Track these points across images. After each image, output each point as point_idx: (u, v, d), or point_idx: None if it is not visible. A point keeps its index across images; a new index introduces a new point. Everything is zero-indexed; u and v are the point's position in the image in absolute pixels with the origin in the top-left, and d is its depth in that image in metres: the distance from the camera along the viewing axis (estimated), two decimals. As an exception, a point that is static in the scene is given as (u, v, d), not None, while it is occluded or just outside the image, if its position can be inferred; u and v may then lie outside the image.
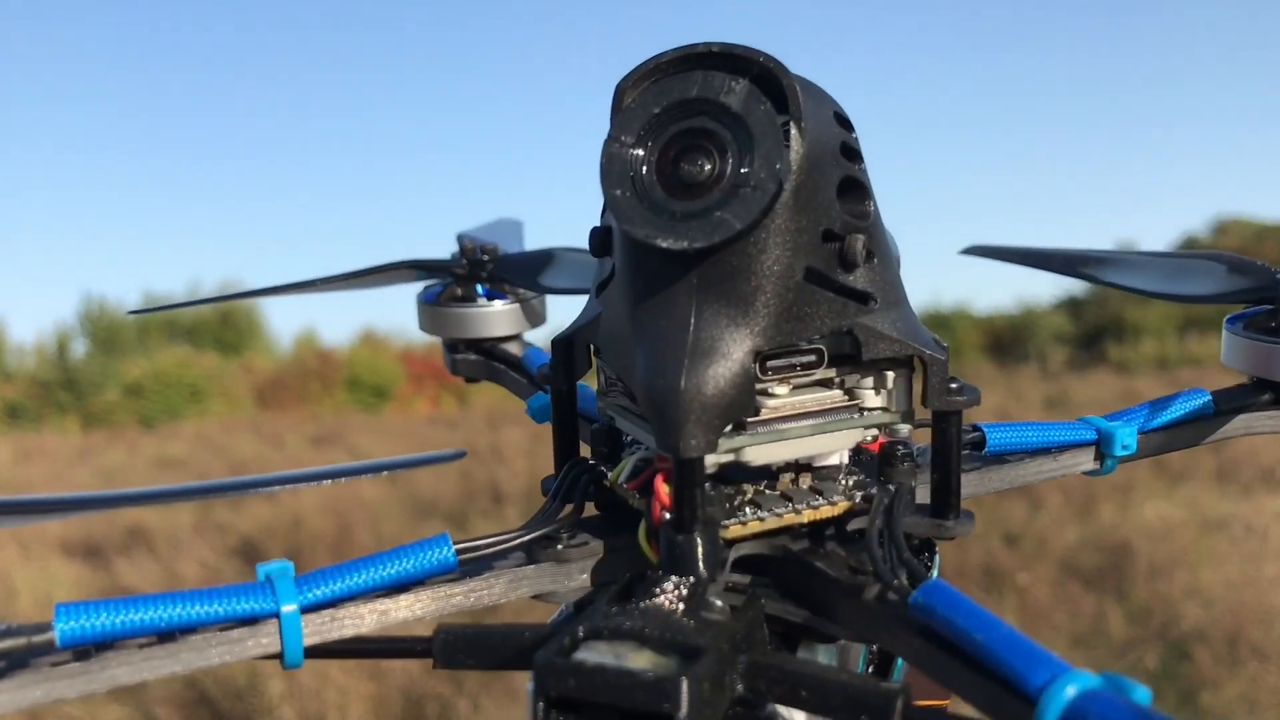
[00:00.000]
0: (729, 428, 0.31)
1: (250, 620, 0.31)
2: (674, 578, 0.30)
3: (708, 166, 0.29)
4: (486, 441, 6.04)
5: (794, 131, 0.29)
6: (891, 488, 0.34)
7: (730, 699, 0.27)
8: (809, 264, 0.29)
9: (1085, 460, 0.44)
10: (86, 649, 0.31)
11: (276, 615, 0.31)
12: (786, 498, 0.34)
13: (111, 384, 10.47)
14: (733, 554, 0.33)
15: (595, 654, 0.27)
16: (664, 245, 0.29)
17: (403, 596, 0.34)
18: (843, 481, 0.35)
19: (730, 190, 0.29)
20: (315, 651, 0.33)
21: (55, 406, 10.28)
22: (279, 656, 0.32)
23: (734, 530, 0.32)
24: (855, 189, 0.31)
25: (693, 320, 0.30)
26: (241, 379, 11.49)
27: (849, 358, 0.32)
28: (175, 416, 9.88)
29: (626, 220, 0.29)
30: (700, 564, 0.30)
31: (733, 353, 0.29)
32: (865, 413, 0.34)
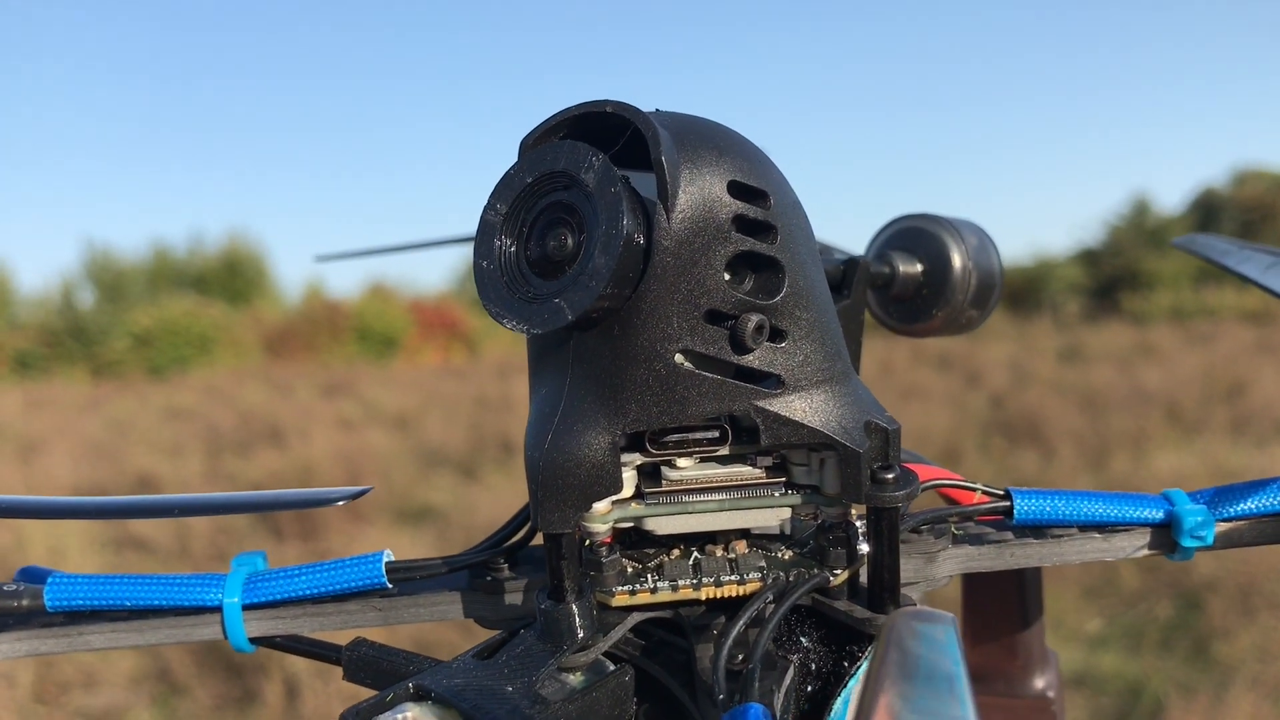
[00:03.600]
0: (629, 495, 0.31)
1: (202, 610, 0.36)
2: (539, 644, 0.31)
3: (570, 243, 0.28)
4: (497, 392, 6.04)
5: (660, 209, 0.27)
6: (794, 575, 0.32)
7: None
8: (687, 345, 0.28)
9: (1142, 543, 0.37)
10: (73, 615, 0.36)
11: (220, 608, 0.36)
12: (696, 569, 0.32)
13: (120, 333, 10.48)
14: (634, 618, 0.32)
15: None
16: (507, 327, 0.28)
17: (336, 606, 0.37)
18: (777, 555, 0.33)
19: (575, 275, 0.27)
20: (260, 642, 0.37)
21: (64, 356, 10.31)
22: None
23: (620, 598, 0.32)
24: (756, 264, 0.28)
25: (565, 393, 0.29)
26: (250, 328, 11.50)
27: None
28: (184, 366, 9.90)
29: (483, 294, 0.29)
30: (570, 634, 0.30)
31: (595, 432, 0.28)
32: (794, 490, 0.32)
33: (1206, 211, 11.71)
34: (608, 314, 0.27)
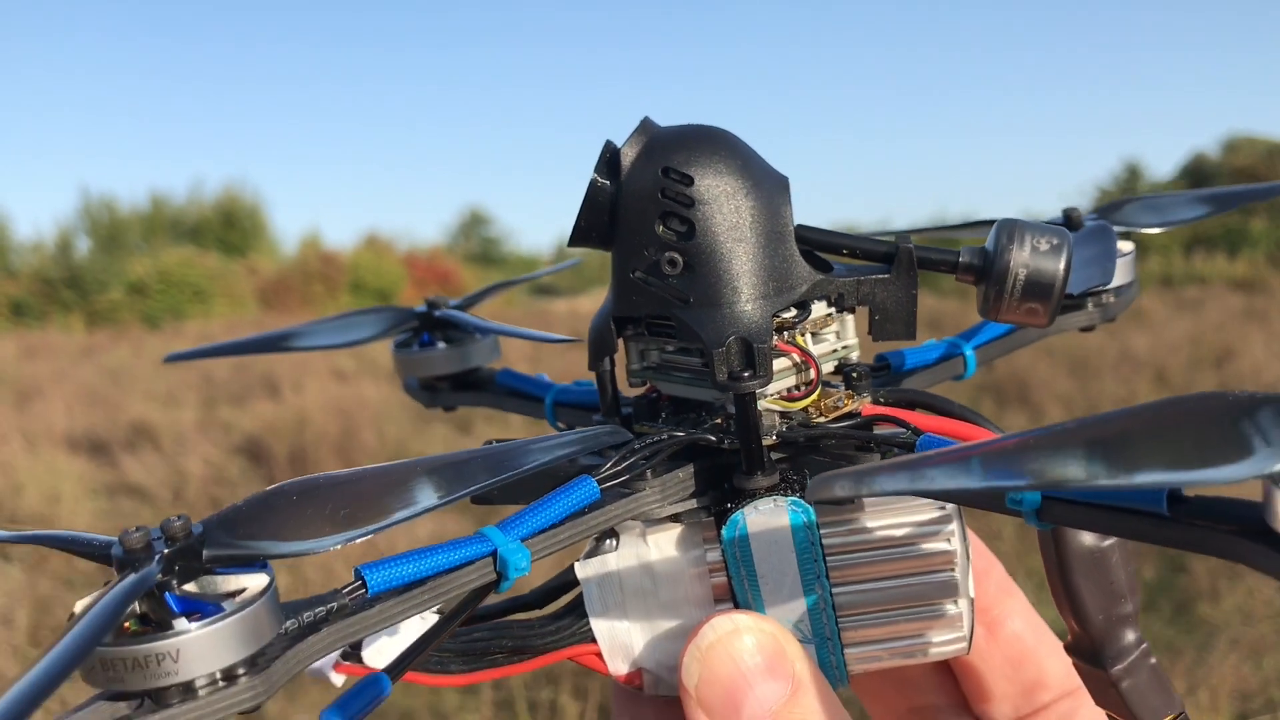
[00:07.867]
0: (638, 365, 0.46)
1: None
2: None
3: None
4: (490, 346, 6.03)
5: (620, 185, 0.42)
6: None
7: None
8: (637, 267, 0.42)
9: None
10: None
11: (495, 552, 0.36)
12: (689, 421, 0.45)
13: (116, 282, 10.45)
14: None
15: None
16: None
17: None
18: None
19: None
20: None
21: (59, 304, 10.28)
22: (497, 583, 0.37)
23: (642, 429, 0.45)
24: (675, 220, 0.41)
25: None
26: (245, 279, 11.48)
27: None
28: (179, 316, 9.89)
29: None
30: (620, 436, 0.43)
31: (604, 313, 0.44)
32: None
33: (1197, 178, 11.68)
34: (606, 240, 0.42)
